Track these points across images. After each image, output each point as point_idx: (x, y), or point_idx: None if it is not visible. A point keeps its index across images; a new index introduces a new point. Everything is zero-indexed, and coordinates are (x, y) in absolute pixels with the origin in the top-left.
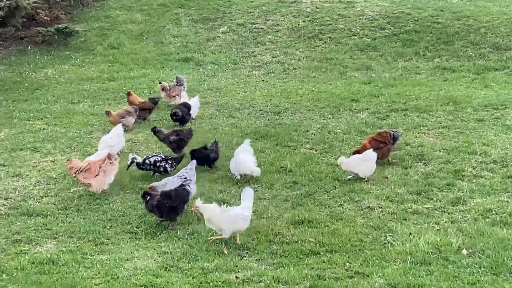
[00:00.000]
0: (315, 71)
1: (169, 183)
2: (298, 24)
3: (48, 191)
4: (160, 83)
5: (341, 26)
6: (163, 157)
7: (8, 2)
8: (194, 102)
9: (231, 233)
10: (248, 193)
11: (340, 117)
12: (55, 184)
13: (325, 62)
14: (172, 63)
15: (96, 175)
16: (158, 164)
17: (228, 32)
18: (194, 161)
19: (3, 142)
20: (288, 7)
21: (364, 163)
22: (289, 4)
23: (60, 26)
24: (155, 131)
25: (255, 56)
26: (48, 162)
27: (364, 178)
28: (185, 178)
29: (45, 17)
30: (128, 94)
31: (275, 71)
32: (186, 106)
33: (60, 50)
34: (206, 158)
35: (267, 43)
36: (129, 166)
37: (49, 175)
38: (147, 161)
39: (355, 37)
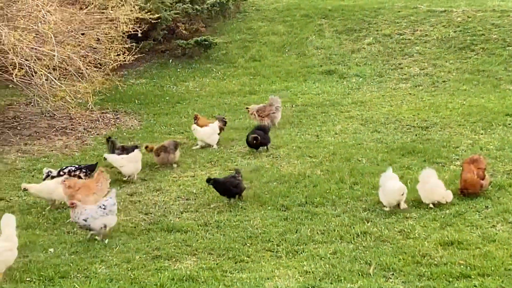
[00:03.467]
0: (466, 84)
1: (86, 212)
2: (449, 35)
3: (188, 207)
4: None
5: (495, 36)
6: (77, 166)
7: (150, 13)
8: (212, 129)
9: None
10: (8, 221)
11: (493, 133)
12: (195, 199)
13: (477, 75)
14: (315, 76)
15: (94, 193)
16: (72, 174)
17: (374, 43)
18: (114, 190)
19: (144, 157)
20: (438, 16)
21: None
22: (439, 13)
23: (199, 38)
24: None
25: (402, 68)
26: (188, 177)
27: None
28: (104, 208)
29: (184, 31)
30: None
31: (423, 84)
32: (264, 129)
33: (201, 63)
34: (235, 187)
35: (415, 54)
36: (44, 179)
37: (189, 190)
38: (61, 172)
39: (510, 47)
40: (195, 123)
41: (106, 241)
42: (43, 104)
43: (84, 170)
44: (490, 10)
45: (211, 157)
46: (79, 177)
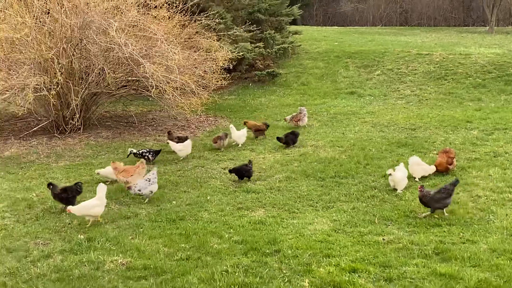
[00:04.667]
0: (441, 101)
1: (139, 185)
2: (430, 69)
3: (260, 177)
4: (285, 118)
5: (460, 70)
6: (147, 150)
7: (238, 55)
8: (241, 134)
9: (93, 217)
10: (101, 188)
11: (458, 133)
12: (264, 172)
13: (448, 95)
14: (342, 95)
15: (131, 175)
16: (145, 155)
17: (381, 75)
18: (156, 169)
19: (237, 145)
20: (423, 57)
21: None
22: (424, 55)
23: (269, 70)
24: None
25: (399, 90)
26: (260, 159)
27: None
28: (149, 180)
29: (260, 65)
30: (245, 123)
31: (412, 101)
32: (294, 134)
33: (270, 86)
34: (247, 172)
35: (408, 82)
36: (127, 156)
37: (260, 167)
38: (138, 152)
39: (470, 78)
40: (244, 124)
41: (146, 200)
42: (170, 111)
43: (151, 153)
44: (458, 54)
45: (274, 146)
46: (147, 157)
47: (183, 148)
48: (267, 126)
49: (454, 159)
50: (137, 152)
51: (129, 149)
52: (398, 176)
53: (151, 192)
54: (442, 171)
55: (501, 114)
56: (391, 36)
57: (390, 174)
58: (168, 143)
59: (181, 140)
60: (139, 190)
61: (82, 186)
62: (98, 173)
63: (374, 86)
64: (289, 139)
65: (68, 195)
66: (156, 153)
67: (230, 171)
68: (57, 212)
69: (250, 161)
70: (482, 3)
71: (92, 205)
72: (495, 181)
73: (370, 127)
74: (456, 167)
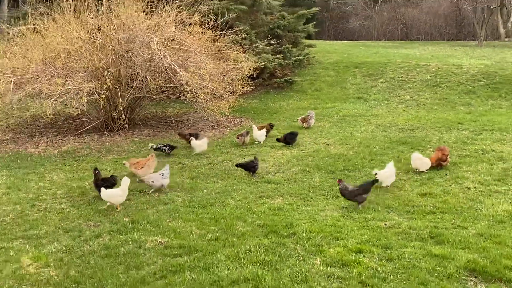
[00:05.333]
0: (436, 105)
1: (153, 177)
2: (427, 78)
3: (279, 170)
4: (298, 119)
5: (453, 79)
6: (165, 145)
7: (261, 65)
8: (262, 133)
9: (116, 203)
10: (125, 181)
11: (451, 133)
12: (283, 166)
13: (443, 100)
14: (350, 100)
15: (142, 167)
16: (162, 148)
17: (384, 82)
18: (168, 165)
19: (259, 142)
20: (421, 67)
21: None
22: (422, 66)
23: (287, 78)
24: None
25: (400, 96)
26: (279, 154)
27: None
28: (163, 175)
29: (279, 74)
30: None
31: (411, 105)
32: (293, 134)
33: (287, 92)
34: (253, 167)
35: (407, 88)
36: (149, 149)
37: (279, 161)
38: (158, 146)
39: (462, 85)
40: (255, 126)
41: (151, 191)
42: (202, 113)
43: (168, 147)
44: (451, 64)
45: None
46: (165, 150)
47: (202, 144)
48: (272, 126)
49: (448, 156)
50: (157, 147)
51: (150, 144)
52: (384, 174)
53: (162, 185)
54: (436, 166)
55: (489, 117)
56: (393, 49)
57: (376, 174)
58: (191, 140)
59: (192, 135)
60: (152, 182)
61: (117, 178)
62: (124, 164)
63: (378, 92)
64: (288, 139)
65: (103, 184)
66: (172, 147)
67: (237, 166)
68: None
69: (255, 157)
70: (473, 20)
71: (116, 194)
72: (483, 175)
73: (374, 128)
74: (449, 163)
